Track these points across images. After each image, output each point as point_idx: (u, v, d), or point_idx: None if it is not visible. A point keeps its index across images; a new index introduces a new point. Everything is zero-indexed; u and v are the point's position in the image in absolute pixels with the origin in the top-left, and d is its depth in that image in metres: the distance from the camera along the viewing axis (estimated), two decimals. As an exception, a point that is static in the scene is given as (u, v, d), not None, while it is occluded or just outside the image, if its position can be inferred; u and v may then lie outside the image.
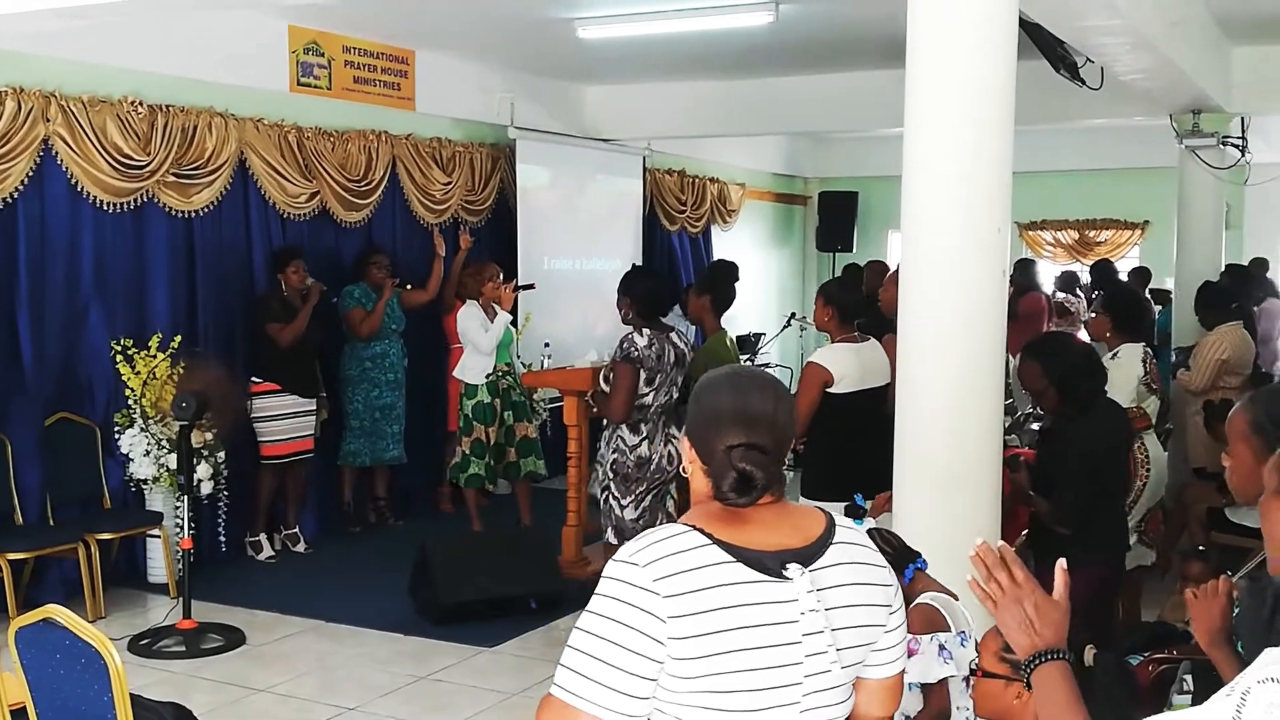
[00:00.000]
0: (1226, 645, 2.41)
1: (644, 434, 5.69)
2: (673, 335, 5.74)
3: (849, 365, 5.10)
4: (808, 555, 1.93)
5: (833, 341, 5.32)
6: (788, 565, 1.89)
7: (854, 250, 13.64)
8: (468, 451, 7.38)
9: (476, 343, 7.37)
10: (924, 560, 3.10)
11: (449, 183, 8.83)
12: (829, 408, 5.12)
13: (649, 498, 5.73)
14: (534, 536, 6.73)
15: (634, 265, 6.09)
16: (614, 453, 5.73)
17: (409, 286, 7.99)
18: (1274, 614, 2.13)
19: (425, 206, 8.64)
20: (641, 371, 5.56)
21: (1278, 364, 9.01)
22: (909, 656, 2.90)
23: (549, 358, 7.80)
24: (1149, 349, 5.86)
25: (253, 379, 7.18)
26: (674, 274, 11.30)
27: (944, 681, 2.91)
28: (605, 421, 5.89)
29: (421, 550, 6.24)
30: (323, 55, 7.74)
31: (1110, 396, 4.62)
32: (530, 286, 7.66)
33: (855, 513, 3.17)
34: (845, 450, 5.09)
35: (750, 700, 1.85)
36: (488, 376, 7.38)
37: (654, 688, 1.83)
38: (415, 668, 5.58)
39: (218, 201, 7.15)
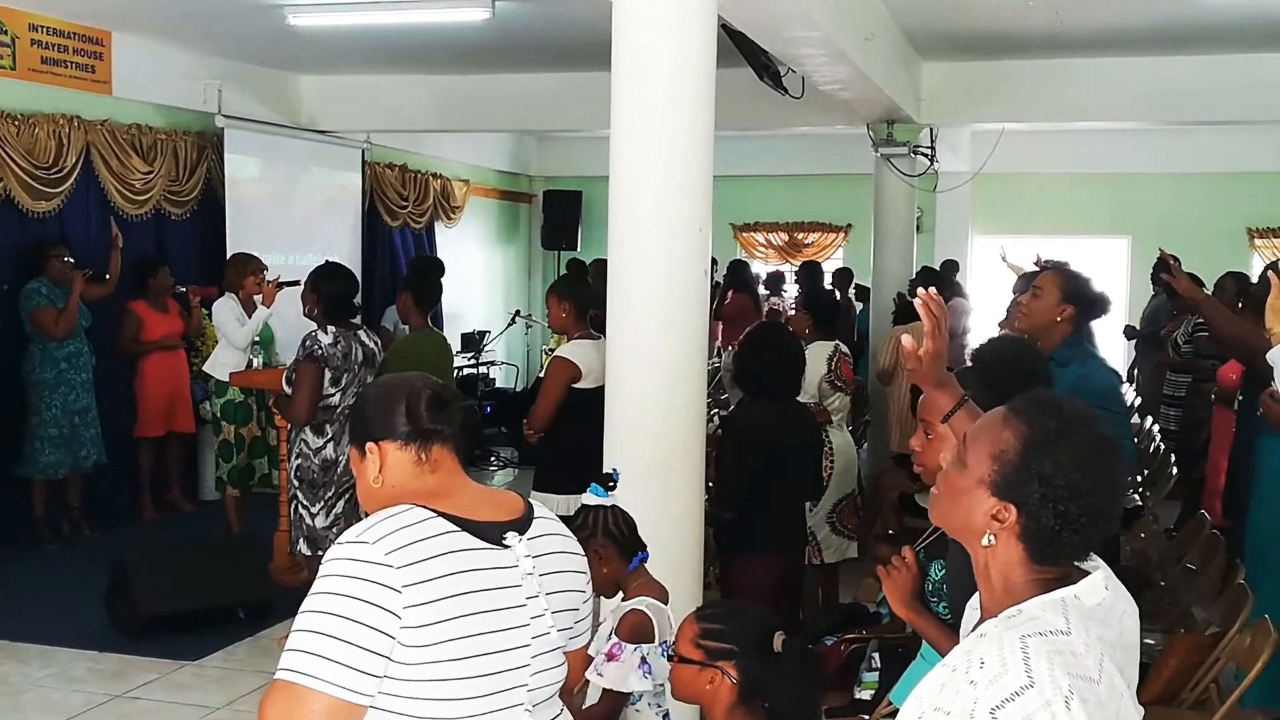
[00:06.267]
0: (925, 610, 2.63)
1: (329, 435, 5.37)
2: (361, 334, 5.51)
3: (594, 361, 5.10)
4: (521, 525, 2.07)
5: (571, 338, 5.35)
6: (506, 534, 2.02)
7: (579, 249, 13.80)
8: (217, 453, 7.08)
9: (231, 337, 7.14)
10: (646, 553, 3.17)
11: (150, 172, 8.38)
12: (572, 403, 5.13)
13: (340, 503, 5.40)
14: (243, 542, 6.45)
15: (326, 262, 5.87)
16: (297, 458, 5.38)
17: (107, 277, 7.61)
18: None
19: (124, 197, 8.17)
20: (327, 370, 5.30)
21: (966, 355, 9.63)
22: (609, 660, 2.95)
23: (259, 355, 7.50)
24: (843, 348, 6.16)
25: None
26: (395, 271, 11.12)
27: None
28: (289, 426, 5.62)
29: (119, 560, 5.89)
30: (5, 33, 7.20)
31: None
32: (295, 284, 7.32)
33: (605, 482, 3.19)
34: (585, 447, 5.09)
35: (485, 664, 1.92)
36: None
37: (386, 664, 1.85)
38: (111, 686, 5.27)
39: (-119, 188, 6.54)
